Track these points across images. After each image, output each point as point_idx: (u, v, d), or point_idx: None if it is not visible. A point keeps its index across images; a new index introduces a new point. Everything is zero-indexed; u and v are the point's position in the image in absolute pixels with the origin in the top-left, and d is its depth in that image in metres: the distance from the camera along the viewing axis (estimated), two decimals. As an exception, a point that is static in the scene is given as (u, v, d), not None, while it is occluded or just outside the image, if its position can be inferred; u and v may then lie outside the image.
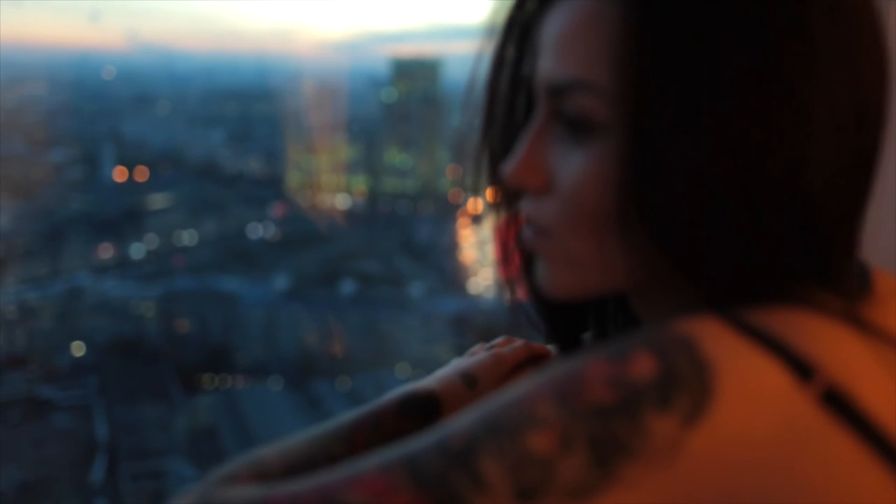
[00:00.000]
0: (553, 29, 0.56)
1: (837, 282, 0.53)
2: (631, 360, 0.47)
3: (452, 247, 15.30)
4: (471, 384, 0.66)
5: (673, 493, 0.46)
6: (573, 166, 0.55)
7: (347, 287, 15.99)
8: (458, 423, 0.48)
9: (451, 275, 15.68)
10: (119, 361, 14.07)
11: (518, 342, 0.75)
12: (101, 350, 14.11)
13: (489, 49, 0.64)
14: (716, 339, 0.48)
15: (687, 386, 0.46)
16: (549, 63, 0.56)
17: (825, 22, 0.52)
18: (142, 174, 16.96)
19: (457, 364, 0.72)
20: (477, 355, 0.73)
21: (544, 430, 0.46)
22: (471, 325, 13.19)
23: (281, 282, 15.92)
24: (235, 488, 0.51)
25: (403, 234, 16.90)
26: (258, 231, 17.12)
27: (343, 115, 18.52)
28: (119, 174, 16.92)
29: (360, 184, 18.89)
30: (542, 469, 0.45)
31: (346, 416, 0.62)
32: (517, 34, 0.63)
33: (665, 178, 0.52)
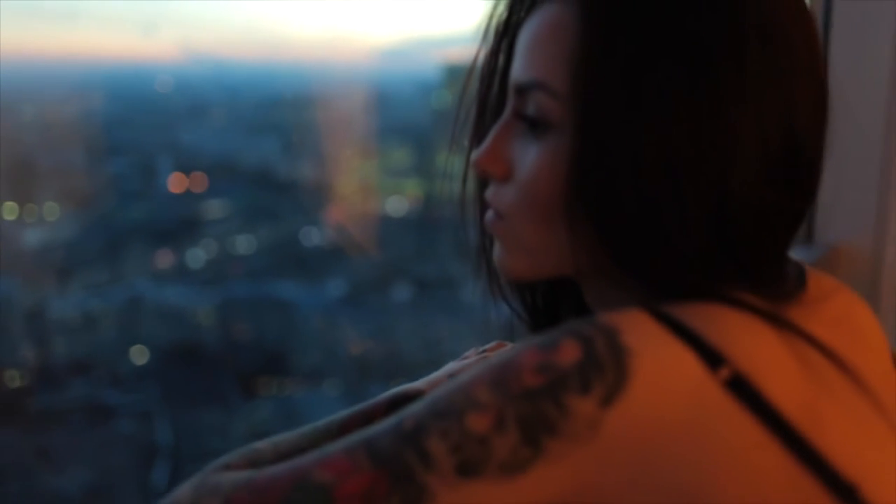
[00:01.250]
0: (526, 34, 0.63)
1: (762, 284, 0.59)
2: (558, 348, 0.54)
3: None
4: None
5: (594, 467, 0.53)
6: (530, 159, 0.62)
7: (402, 292, 16.05)
8: (413, 408, 0.56)
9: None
10: (179, 367, 14.29)
11: (509, 346, 0.81)
12: (162, 356, 14.33)
13: (482, 54, 0.70)
14: (636, 329, 0.54)
15: (606, 370, 0.53)
16: (519, 65, 0.63)
17: (758, 49, 0.56)
18: (198, 183, 17.22)
19: (448, 367, 0.79)
20: (468, 359, 0.80)
21: (482, 413, 0.53)
22: (525, 329, 13.14)
23: (336, 287, 16.03)
24: (228, 474, 0.60)
25: (458, 238, 16.93)
26: (313, 237, 17.29)
27: (395, 120, 18.60)
28: (176, 183, 17.19)
29: (414, 188, 18.97)
30: (480, 447, 0.52)
31: (339, 414, 0.71)
32: (506, 40, 0.69)
33: (604, 175, 0.58)
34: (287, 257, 16.76)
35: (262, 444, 0.69)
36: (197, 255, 16.36)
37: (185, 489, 0.63)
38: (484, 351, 0.78)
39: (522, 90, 0.63)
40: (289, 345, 14.98)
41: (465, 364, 0.76)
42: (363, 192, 18.16)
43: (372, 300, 15.86)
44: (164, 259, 16.20)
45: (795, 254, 0.66)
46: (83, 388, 13.59)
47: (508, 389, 0.53)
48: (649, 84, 0.57)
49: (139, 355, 14.26)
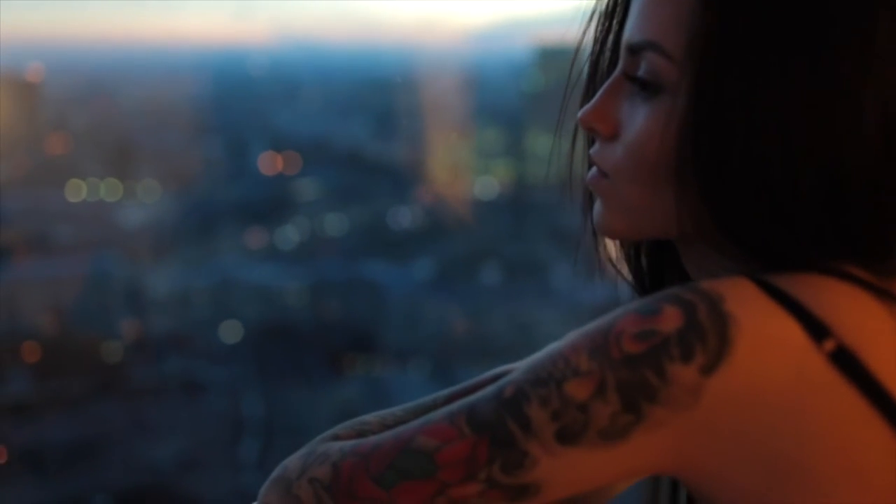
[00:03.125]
0: None
1: (870, 258, 0.57)
2: (659, 314, 0.53)
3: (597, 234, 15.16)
4: None
5: (694, 435, 0.52)
6: (639, 119, 0.62)
7: (491, 274, 16.06)
8: (512, 375, 0.56)
9: (595, 262, 15.54)
10: (270, 345, 14.57)
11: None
12: (254, 334, 14.63)
13: (596, 11, 0.69)
14: (740, 298, 0.53)
15: (708, 337, 0.52)
16: (632, 25, 0.63)
17: (888, 20, 0.55)
18: (290, 164, 17.47)
19: (551, 347, 0.77)
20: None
21: (582, 379, 0.53)
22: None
23: (425, 269, 16.12)
24: (336, 443, 0.61)
25: (547, 221, 16.87)
26: (403, 218, 17.40)
27: (486, 102, 18.58)
28: (269, 164, 17.47)
29: (504, 170, 18.91)
30: (581, 414, 0.53)
31: (442, 392, 0.70)
32: (620, 1, 0.67)
33: (719, 139, 0.57)
34: (377, 238, 16.91)
35: (369, 417, 0.69)
36: (288, 235, 16.64)
37: (294, 458, 0.64)
38: None
39: (635, 50, 0.63)
40: (377, 325, 15.13)
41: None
42: (454, 173, 18.20)
43: (461, 282, 15.91)
44: (257, 238, 16.51)
45: None
46: (178, 363, 13.98)
47: (609, 356, 0.53)
48: (771, 50, 0.56)
49: (232, 332, 14.58)
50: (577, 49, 0.73)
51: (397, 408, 0.71)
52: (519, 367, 0.57)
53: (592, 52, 0.71)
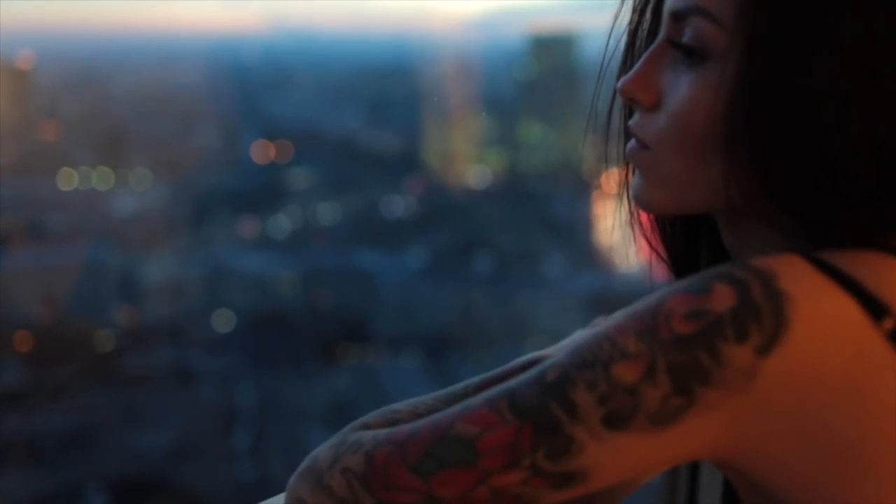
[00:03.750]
0: None
1: None
2: (710, 293, 0.51)
3: (589, 223, 15.17)
4: None
5: (748, 417, 0.51)
6: (683, 88, 0.59)
7: (484, 262, 16.05)
8: (555, 358, 0.54)
9: (588, 251, 15.57)
10: (262, 334, 14.55)
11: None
12: (246, 323, 14.61)
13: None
14: (794, 275, 0.51)
15: (763, 317, 0.50)
16: None
17: None
18: (283, 152, 17.42)
19: (580, 334, 0.74)
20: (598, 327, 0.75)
21: (630, 362, 0.51)
22: (606, 302, 13.04)
23: (418, 257, 16.11)
24: (367, 432, 0.59)
25: (540, 210, 16.85)
26: (396, 207, 17.37)
27: (479, 90, 18.55)
28: (261, 152, 17.42)
29: (497, 159, 18.89)
30: (629, 397, 0.51)
31: (472, 379, 0.68)
32: None
33: (772, 108, 0.55)
34: (370, 227, 16.89)
35: (399, 406, 0.67)
36: (281, 224, 16.61)
37: (324, 448, 0.61)
38: None
39: (679, 16, 0.60)
40: (369, 314, 15.12)
41: None
42: (447, 161, 18.17)
43: (453, 271, 15.90)
44: (250, 227, 16.47)
45: None
46: (171, 352, 13.96)
47: (658, 337, 0.51)
48: (828, 11, 0.54)
49: (224, 321, 14.56)
50: (615, 18, 0.70)
51: (427, 396, 0.69)
52: (559, 351, 0.56)
53: (631, 22, 0.68)
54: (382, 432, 0.59)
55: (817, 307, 0.51)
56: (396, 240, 16.50)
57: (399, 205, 17.30)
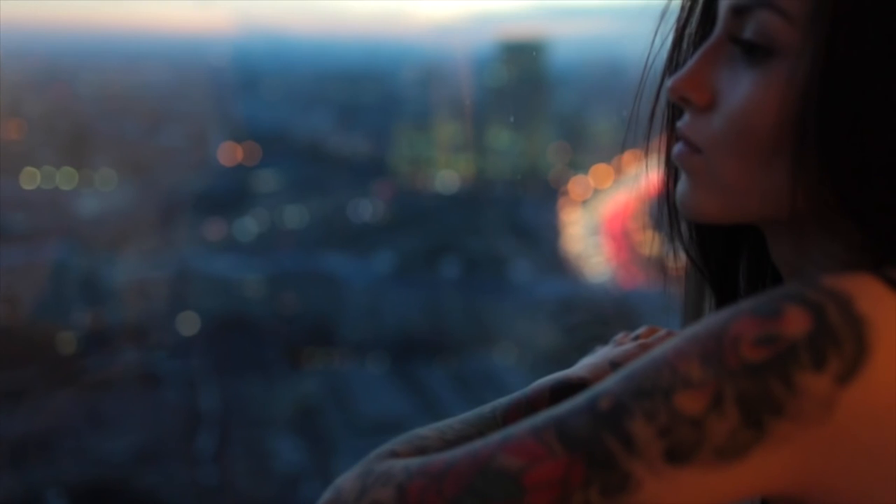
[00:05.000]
0: None
1: None
2: (782, 317, 0.47)
3: (556, 229, 15.22)
4: None
5: (823, 451, 0.47)
6: (744, 87, 0.55)
7: (451, 268, 16.04)
8: (606, 385, 0.50)
9: (555, 257, 15.61)
10: (227, 338, 14.44)
11: (661, 331, 0.73)
12: (211, 326, 14.49)
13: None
14: (871, 296, 0.48)
15: (842, 343, 0.46)
16: None
17: None
18: (250, 155, 17.32)
19: (605, 353, 0.70)
20: (624, 345, 0.72)
21: (694, 391, 0.47)
22: (573, 309, 13.09)
23: (385, 262, 16.07)
24: (397, 461, 0.54)
25: (507, 215, 16.88)
26: (363, 211, 17.33)
27: (449, 96, 18.57)
28: (228, 154, 17.32)
29: (466, 164, 18.91)
30: (693, 430, 0.47)
31: (500, 401, 0.63)
32: None
33: (850, 113, 0.51)
34: (337, 230, 16.83)
35: (426, 431, 0.63)
36: (247, 227, 16.50)
37: (349, 478, 0.57)
38: (637, 336, 0.71)
39: (742, 10, 0.56)
40: (336, 318, 15.06)
41: (624, 350, 0.68)
42: (415, 166, 18.16)
43: (420, 276, 15.88)
44: (216, 230, 16.35)
45: None
46: (134, 354, 13.80)
47: (726, 364, 0.47)
48: None
49: (189, 324, 14.43)
50: (663, 14, 0.66)
51: (453, 420, 0.64)
52: (611, 378, 0.51)
53: (679, 18, 0.64)
54: (414, 462, 0.54)
55: None
56: (364, 244, 16.45)
57: (367, 209, 17.26)
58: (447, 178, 18.33)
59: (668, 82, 0.61)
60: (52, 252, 14.42)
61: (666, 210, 0.67)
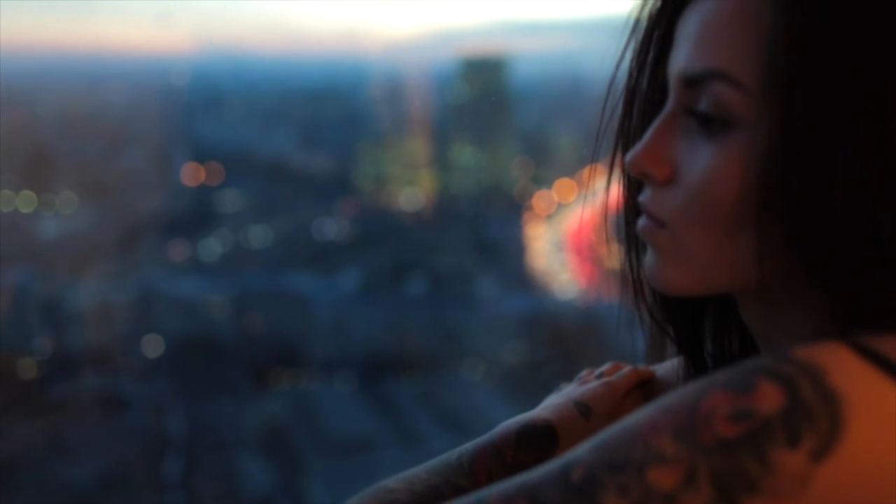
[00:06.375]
0: (695, 19, 0.54)
1: None
2: (756, 392, 0.47)
3: (521, 244, 15.27)
4: (586, 414, 0.65)
5: None
6: (703, 159, 0.54)
7: (417, 285, 16.03)
8: (577, 455, 0.49)
9: (520, 273, 15.66)
10: (192, 359, 14.31)
11: (626, 368, 0.73)
12: (176, 348, 14.36)
13: (630, 45, 0.62)
14: (844, 369, 0.47)
15: (816, 419, 0.46)
16: (686, 54, 0.55)
17: None
18: (213, 175, 17.23)
19: (569, 393, 0.69)
20: (589, 384, 0.71)
21: (667, 467, 0.46)
22: (540, 324, 13.11)
23: (351, 280, 16.02)
24: None
25: (472, 232, 16.91)
26: (328, 229, 17.29)
27: (412, 113, 18.61)
28: (191, 175, 17.21)
29: (430, 182, 18.94)
30: None
31: (466, 446, 0.62)
32: (659, 31, 0.60)
33: (813, 181, 0.50)
34: (301, 249, 16.76)
35: (393, 483, 0.62)
36: (212, 247, 16.39)
37: None
38: (601, 374, 0.71)
39: (694, 82, 0.55)
40: (302, 337, 14.98)
41: (589, 389, 0.68)
42: (379, 184, 18.16)
43: (386, 293, 15.85)
44: (179, 251, 16.22)
45: None
46: (97, 378, 13.63)
47: (699, 440, 0.46)
48: (868, 75, 0.50)
49: (153, 347, 14.29)
50: (611, 83, 0.64)
51: (420, 468, 0.63)
52: (582, 445, 0.50)
53: (628, 87, 0.63)
54: None
55: (875, 406, 0.47)
56: (329, 262, 16.40)
57: (331, 227, 17.21)
58: (411, 195, 18.34)
59: (627, 157, 0.60)
60: (11, 277, 14.24)
61: (630, 278, 0.66)
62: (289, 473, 11.65)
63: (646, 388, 0.70)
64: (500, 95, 18.72)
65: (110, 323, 14.51)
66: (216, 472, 12.09)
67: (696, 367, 0.67)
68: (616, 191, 0.68)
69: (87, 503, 11.76)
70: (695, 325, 0.68)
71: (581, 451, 0.50)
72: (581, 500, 0.47)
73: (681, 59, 0.57)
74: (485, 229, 17.05)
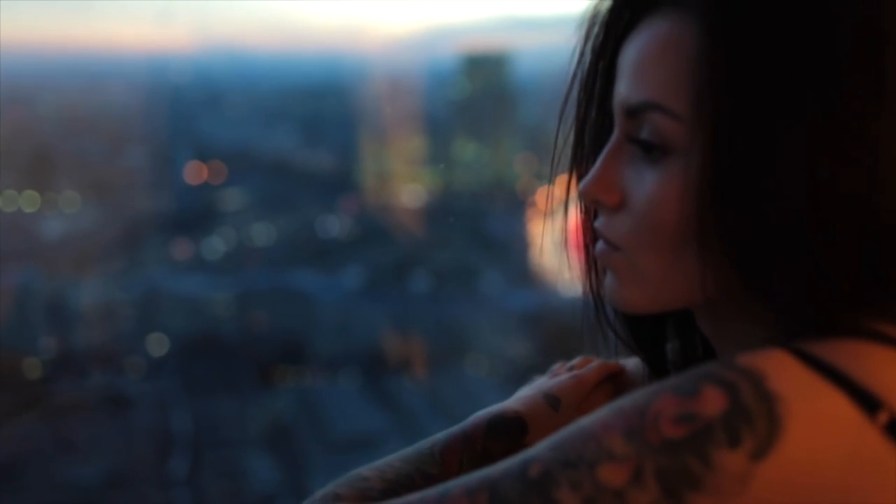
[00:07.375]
0: (632, 53, 0.59)
1: None
2: (700, 396, 0.50)
3: (524, 240, 15.28)
4: (554, 406, 0.68)
5: None
6: (647, 186, 0.58)
7: (420, 281, 16.04)
8: (537, 451, 0.53)
9: (523, 269, 15.67)
10: (197, 357, 14.34)
11: (595, 362, 0.76)
12: (180, 346, 14.38)
13: (578, 74, 0.65)
14: (783, 373, 0.50)
15: (755, 421, 0.49)
16: (626, 85, 0.59)
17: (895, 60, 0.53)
18: (216, 173, 17.25)
19: (539, 385, 0.73)
20: (559, 377, 0.74)
21: (616, 465, 0.49)
22: (543, 320, 13.13)
23: (354, 277, 16.04)
24: None
25: (475, 228, 16.93)
26: (331, 227, 17.30)
27: (413, 110, 18.62)
28: (194, 173, 17.23)
29: (432, 178, 18.95)
30: (615, 501, 0.49)
31: (438, 436, 0.69)
32: (603, 61, 0.63)
33: (742, 199, 0.54)
34: (305, 247, 16.78)
35: (367, 472, 0.65)
36: (215, 245, 16.41)
37: None
38: (571, 367, 0.74)
39: (634, 112, 0.59)
40: (306, 335, 15.00)
41: (558, 382, 0.71)
42: (381, 181, 18.17)
43: (389, 290, 15.86)
44: (183, 249, 16.25)
45: None
46: (102, 377, 13.66)
47: (646, 440, 0.50)
48: (783, 101, 0.53)
49: (158, 345, 14.32)
50: (561, 113, 0.68)
51: (393, 457, 0.67)
52: (545, 444, 0.53)
53: (578, 116, 0.67)
54: None
55: (811, 407, 0.49)
56: (332, 260, 16.41)
57: (334, 225, 17.23)
58: (414, 191, 18.36)
59: (580, 186, 0.64)
60: (15, 276, 14.26)
61: (591, 297, 0.70)
62: (293, 470, 11.67)
63: (616, 381, 0.73)
64: (501, 91, 18.72)
65: (114, 322, 14.54)
66: (221, 470, 12.12)
67: (658, 374, 0.71)
68: (575, 215, 0.72)
69: (93, 502, 11.79)
70: (655, 337, 0.72)
71: (540, 448, 0.52)
72: (537, 494, 0.50)
73: (622, 91, 0.60)
74: (488, 225, 17.06)
